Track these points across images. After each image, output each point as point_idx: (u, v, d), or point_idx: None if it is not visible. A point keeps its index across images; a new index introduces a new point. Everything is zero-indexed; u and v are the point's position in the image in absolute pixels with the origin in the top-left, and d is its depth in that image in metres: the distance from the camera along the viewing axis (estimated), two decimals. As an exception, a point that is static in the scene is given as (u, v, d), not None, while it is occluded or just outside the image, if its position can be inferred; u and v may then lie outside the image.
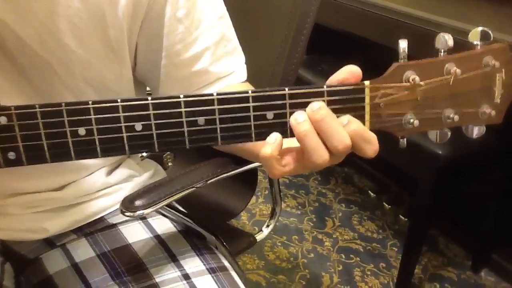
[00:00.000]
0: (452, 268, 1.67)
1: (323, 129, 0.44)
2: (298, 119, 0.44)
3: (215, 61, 0.65)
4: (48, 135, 0.44)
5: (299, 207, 1.94)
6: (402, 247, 1.69)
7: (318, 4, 0.87)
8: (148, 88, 0.74)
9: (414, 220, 1.52)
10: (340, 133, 0.44)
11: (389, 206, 1.90)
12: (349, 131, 0.44)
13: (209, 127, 0.45)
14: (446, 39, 0.45)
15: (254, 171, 0.97)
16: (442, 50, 0.46)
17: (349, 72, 0.46)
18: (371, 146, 0.45)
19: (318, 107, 0.44)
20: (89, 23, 0.57)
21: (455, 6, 1.44)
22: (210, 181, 0.71)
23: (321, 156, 0.44)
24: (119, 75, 0.63)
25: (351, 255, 1.71)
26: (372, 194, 1.98)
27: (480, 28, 0.46)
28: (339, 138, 0.44)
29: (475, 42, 0.46)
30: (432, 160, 1.29)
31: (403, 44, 0.45)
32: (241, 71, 0.69)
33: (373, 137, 0.45)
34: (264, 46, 0.93)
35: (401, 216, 1.86)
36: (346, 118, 0.45)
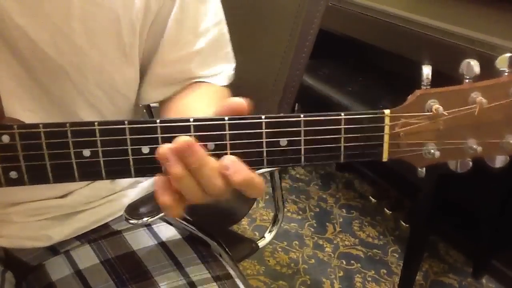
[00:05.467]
0: (453, 274, 1.67)
1: (201, 178, 0.42)
2: (169, 158, 0.41)
3: (203, 66, 0.66)
4: (51, 155, 0.43)
5: (300, 212, 1.94)
6: (403, 253, 1.68)
7: (323, 10, 0.87)
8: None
9: (415, 226, 1.51)
10: (217, 187, 0.42)
11: (390, 212, 1.90)
12: (237, 182, 0.42)
13: (219, 152, 0.44)
14: (472, 66, 0.43)
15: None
16: (467, 77, 0.44)
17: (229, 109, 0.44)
18: (258, 191, 0.44)
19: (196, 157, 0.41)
20: (103, 27, 0.57)
21: (443, 7, 1.45)
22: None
23: (199, 199, 0.43)
24: (128, 78, 0.64)
25: (352, 261, 1.70)
26: (373, 199, 1.98)
27: (508, 55, 0.43)
28: (215, 191, 0.43)
29: (502, 69, 0.43)
30: (434, 165, 1.29)
31: (426, 71, 0.43)
32: (224, 76, 0.69)
33: (259, 183, 0.43)
34: (269, 52, 0.93)
35: (402, 222, 1.86)
36: (232, 163, 0.42)
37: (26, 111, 0.58)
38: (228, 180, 0.42)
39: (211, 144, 0.44)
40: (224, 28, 0.69)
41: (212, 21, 0.66)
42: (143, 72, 0.67)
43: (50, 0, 0.54)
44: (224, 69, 0.69)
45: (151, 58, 0.65)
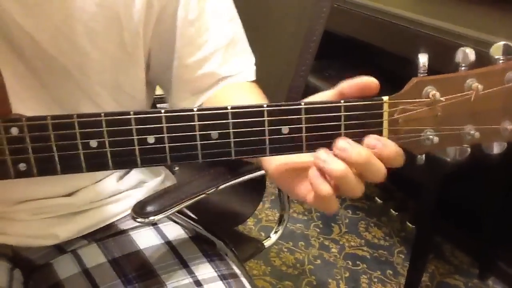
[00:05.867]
0: (459, 276, 1.66)
1: (366, 170, 0.43)
2: (328, 160, 0.42)
3: (224, 63, 0.66)
4: (59, 147, 0.44)
5: (306, 213, 1.94)
6: (409, 254, 1.68)
7: (328, 10, 0.88)
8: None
9: (420, 227, 1.51)
10: (382, 169, 0.43)
11: (396, 213, 1.89)
12: (392, 155, 0.43)
13: (223, 141, 0.44)
14: (467, 54, 0.44)
15: (262, 176, 0.97)
16: (463, 65, 0.44)
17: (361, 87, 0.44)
18: (402, 158, 0.44)
19: (357, 150, 0.42)
20: (104, 27, 0.58)
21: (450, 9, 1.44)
22: (221, 187, 0.72)
23: (359, 191, 0.43)
24: (133, 78, 0.64)
25: (358, 262, 1.70)
26: (378, 200, 1.97)
27: (502, 43, 0.44)
28: (381, 174, 0.43)
29: (496, 57, 0.44)
30: (439, 166, 1.29)
31: (423, 59, 0.44)
32: (249, 71, 0.69)
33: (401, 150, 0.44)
34: (274, 52, 0.93)
35: (408, 223, 1.86)
36: (378, 141, 0.43)
37: (30, 110, 0.58)
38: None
39: (215, 133, 0.44)
40: (238, 24, 0.68)
41: (225, 18, 0.66)
42: (167, 80, 0.67)
43: (51, 1, 0.54)
44: (246, 64, 0.69)
45: (166, 62, 0.65)
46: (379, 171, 0.43)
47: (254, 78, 0.69)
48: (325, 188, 0.42)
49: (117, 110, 0.63)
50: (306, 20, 0.88)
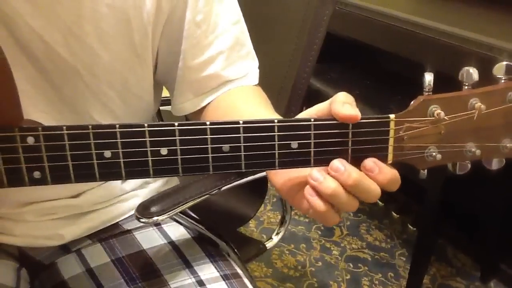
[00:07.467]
0: (460, 278, 1.66)
1: (357, 191, 0.45)
2: (320, 179, 0.45)
3: (228, 65, 0.67)
4: (74, 156, 0.45)
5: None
6: (410, 256, 1.68)
7: (330, 13, 0.88)
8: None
9: (422, 230, 1.51)
10: (374, 191, 0.45)
11: (398, 215, 1.89)
12: (385, 181, 0.45)
13: (234, 154, 0.46)
14: (471, 73, 0.46)
15: (264, 178, 0.98)
16: (467, 84, 0.46)
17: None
18: (397, 184, 0.47)
19: (348, 172, 0.44)
20: (115, 28, 0.58)
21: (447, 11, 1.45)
22: (224, 188, 0.72)
23: (353, 207, 0.45)
24: (141, 79, 0.65)
25: (359, 264, 1.70)
26: (380, 203, 1.98)
27: (505, 63, 0.46)
28: (373, 196, 0.45)
29: (499, 76, 0.46)
30: (441, 169, 1.29)
31: (428, 77, 0.46)
32: (253, 75, 0.70)
33: (398, 177, 0.46)
34: (276, 55, 0.94)
35: (409, 226, 1.86)
36: (376, 166, 0.45)
37: (39, 112, 0.59)
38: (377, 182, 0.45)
39: (226, 147, 0.46)
40: (243, 26, 0.69)
41: (230, 20, 0.67)
42: (172, 81, 0.68)
43: (62, 2, 0.55)
44: (250, 68, 0.70)
45: (172, 63, 0.66)
46: (370, 193, 0.45)
47: (257, 82, 0.70)
48: (319, 205, 0.45)
49: (125, 110, 0.65)
50: (308, 23, 0.89)
